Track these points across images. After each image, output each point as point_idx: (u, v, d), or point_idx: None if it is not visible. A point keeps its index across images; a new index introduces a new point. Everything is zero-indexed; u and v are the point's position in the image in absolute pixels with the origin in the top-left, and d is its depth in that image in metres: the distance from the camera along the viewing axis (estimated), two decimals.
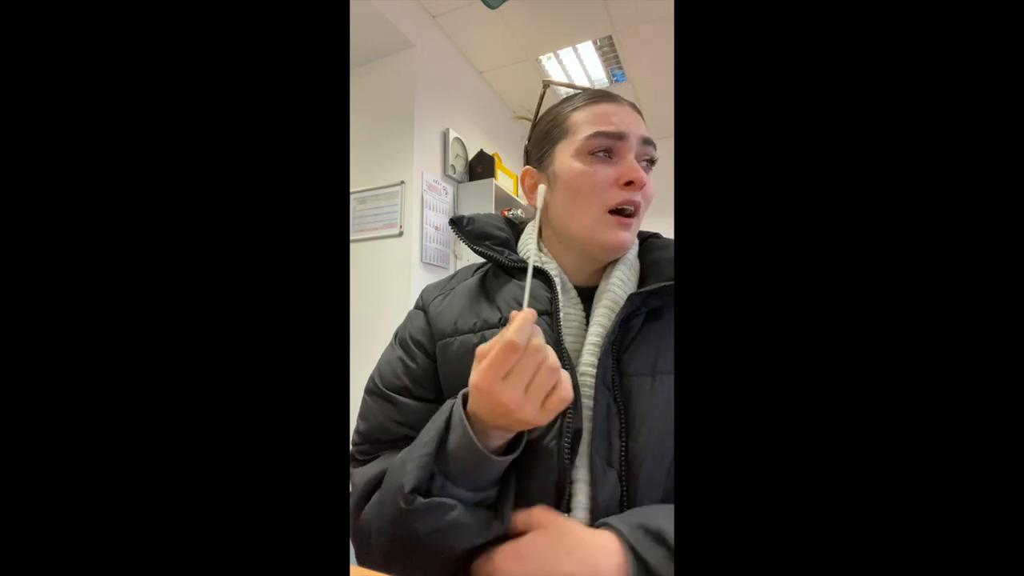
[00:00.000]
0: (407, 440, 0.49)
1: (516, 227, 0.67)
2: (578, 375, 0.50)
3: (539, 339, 0.39)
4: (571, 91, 0.63)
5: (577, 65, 2.64)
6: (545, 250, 0.60)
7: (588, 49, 2.55)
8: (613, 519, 0.42)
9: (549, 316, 0.53)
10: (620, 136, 0.54)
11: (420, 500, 0.41)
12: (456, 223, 0.59)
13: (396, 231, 2.19)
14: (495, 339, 0.39)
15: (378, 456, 0.52)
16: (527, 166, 0.62)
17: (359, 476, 0.50)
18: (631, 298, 0.51)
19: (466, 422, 0.43)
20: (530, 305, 0.51)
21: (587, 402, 0.49)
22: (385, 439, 0.53)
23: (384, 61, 2.32)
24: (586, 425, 0.48)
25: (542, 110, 0.64)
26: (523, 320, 0.39)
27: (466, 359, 0.48)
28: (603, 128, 0.54)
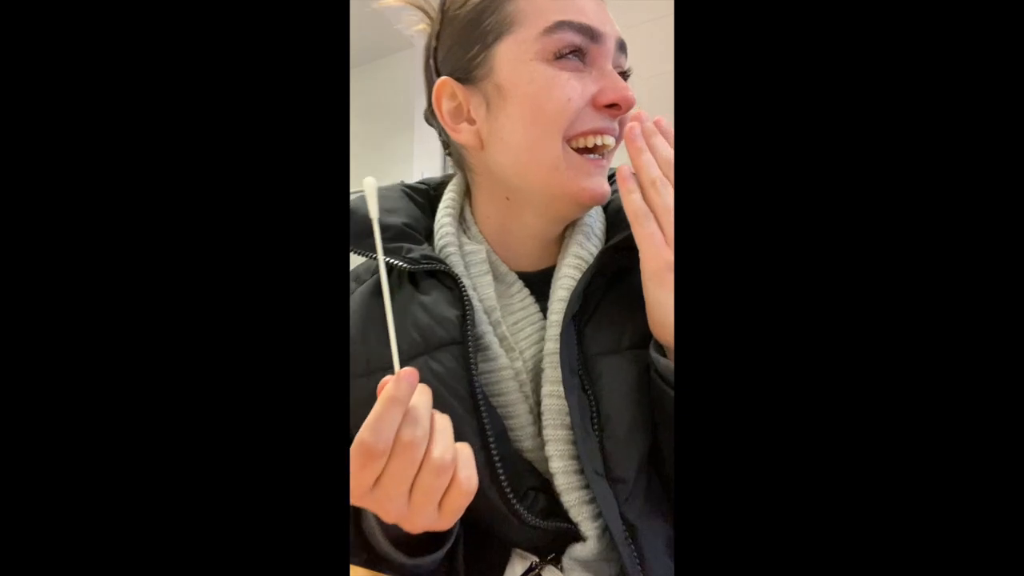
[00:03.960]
0: None
1: (431, 194, 0.49)
2: (543, 383, 0.39)
3: (416, 420, 0.27)
4: None
5: None
6: (472, 220, 0.44)
7: None
8: None
9: (459, 345, 0.37)
10: (594, 35, 0.37)
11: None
12: None
13: None
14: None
15: None
16: (442, 77, 0.41)
17: None
18: (599, 256, 0.40)
19: (372, 519, 0.33)
20: (430, 334, 0.38)
21: (556, 403, 0.37)
22: None
23: (384, 61, 2.32)
24: (559, 434, 0.37)
25: None
26: (384, 404, 0.26)
27: (360, 412, 0.30)
28: (571, 17, 0.36)
